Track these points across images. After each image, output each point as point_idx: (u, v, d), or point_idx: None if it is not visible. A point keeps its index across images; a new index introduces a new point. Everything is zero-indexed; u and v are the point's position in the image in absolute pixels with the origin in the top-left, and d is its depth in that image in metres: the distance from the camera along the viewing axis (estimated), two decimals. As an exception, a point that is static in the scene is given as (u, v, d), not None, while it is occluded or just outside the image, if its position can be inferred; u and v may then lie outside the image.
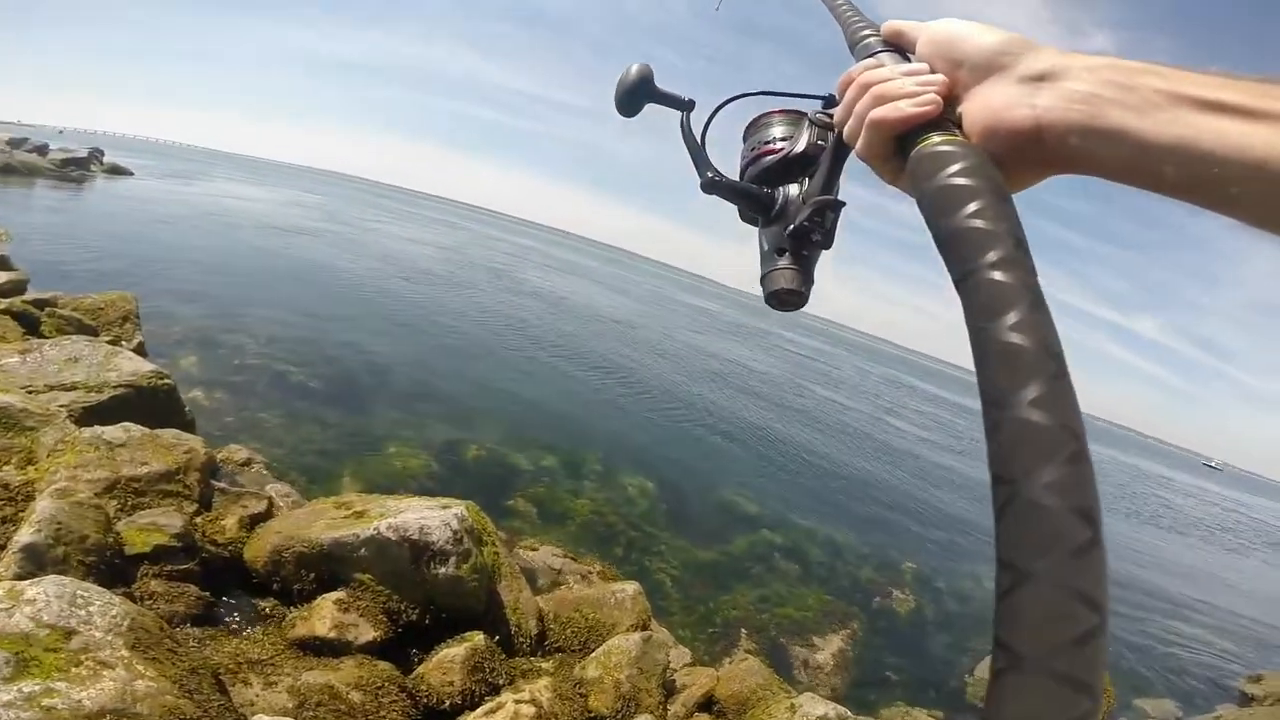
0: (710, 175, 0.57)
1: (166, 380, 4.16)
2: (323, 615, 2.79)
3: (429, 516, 3.35)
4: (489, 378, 10.27)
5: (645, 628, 4.09)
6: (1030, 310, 0.28)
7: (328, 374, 7.86)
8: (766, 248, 0.55)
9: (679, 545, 6.56)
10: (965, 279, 0.31)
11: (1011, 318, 0.28)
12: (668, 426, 10.82)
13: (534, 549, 5.33)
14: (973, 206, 0.33)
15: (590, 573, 5.24)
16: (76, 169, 23.12)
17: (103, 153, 29.05)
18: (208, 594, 2.59)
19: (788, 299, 0.53)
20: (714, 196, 0.58)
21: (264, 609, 2.72)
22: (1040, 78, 0.38)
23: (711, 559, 6.53)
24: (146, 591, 2.40)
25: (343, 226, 28.49)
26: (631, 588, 4.37)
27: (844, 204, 0.52)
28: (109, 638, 1.79)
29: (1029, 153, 0.38)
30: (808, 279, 0.53)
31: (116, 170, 27.38)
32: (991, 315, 0.28)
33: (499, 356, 11.86)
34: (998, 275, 0.30)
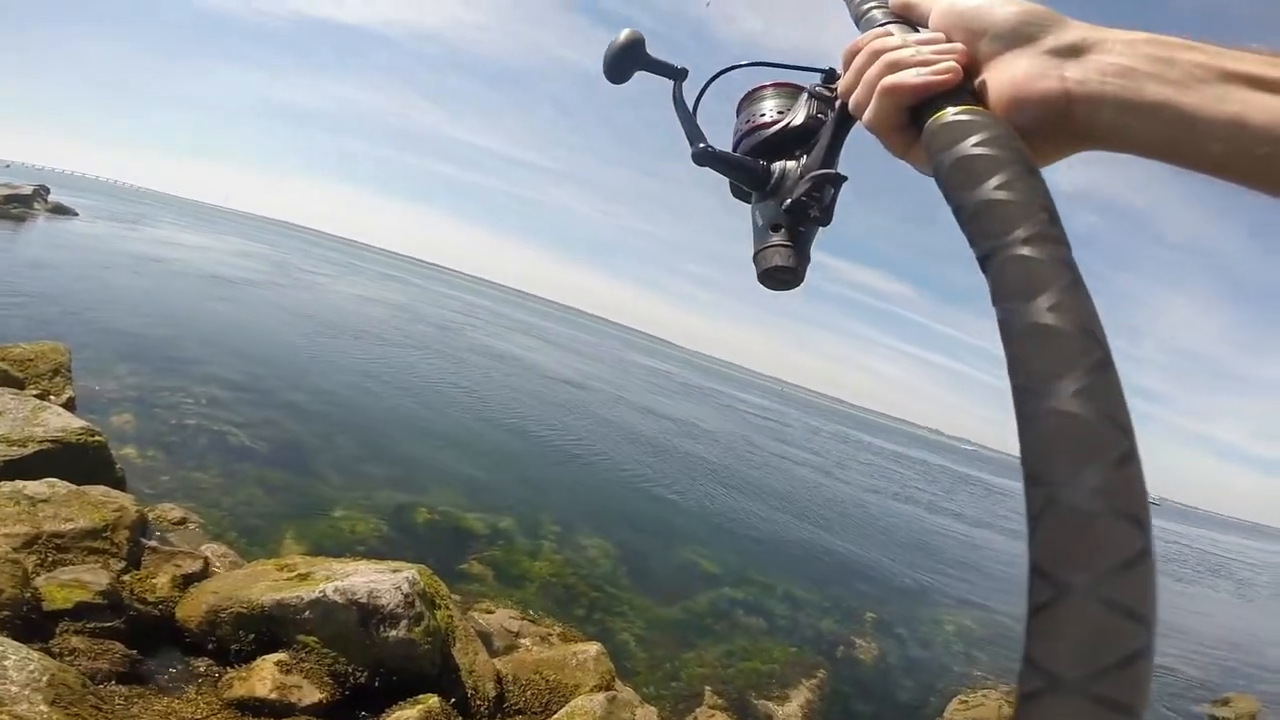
0: (702, 146, 0.54)
1: (97, 437, 3.94)
2: (263, 676, 2.64)
3: (379, 580, 3.30)
4: (440, 439, 10.00)
5: (609, 688, 3.97)
6: (1068, 289, 0.26)
7: (271, 434, 7.53)
8: (760, 223, 0.52)
9: (641, 605, 6.41)
10: (992, 256, 0.28)
11: (1047, 297, 0.25)
12: (624, 487, 10.71)
13: (490, 612, 5.15)
14: (999, 178, 0.30)
15: (550, 635, 5.08)
16: (18, 206, 21.94)
17: (48, 190, 27.59)
18: (135, 652, 2.41)
19: (782, 277, 0.51)
20: (706, 169, 0.55)
21: (198, 668, 2.53)
22: (1071, 50, 0.36)
23: (675, 617, 6.40)
24: (67, 648, 2.21)
25: (291, 279, 27.85)
26: (594, 648, 4.28)
27: (845, 178, 0.50)
28: (26, 692, 1.63)
29: (1057, 127, 0.37)
30: (804, 257, 0.51)
31: (60, 210, 26.10)
32: (1024, 295, 0.26)
33: (450, 418, 11.60)
34: (1029, 251, 0.27)
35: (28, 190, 24.47)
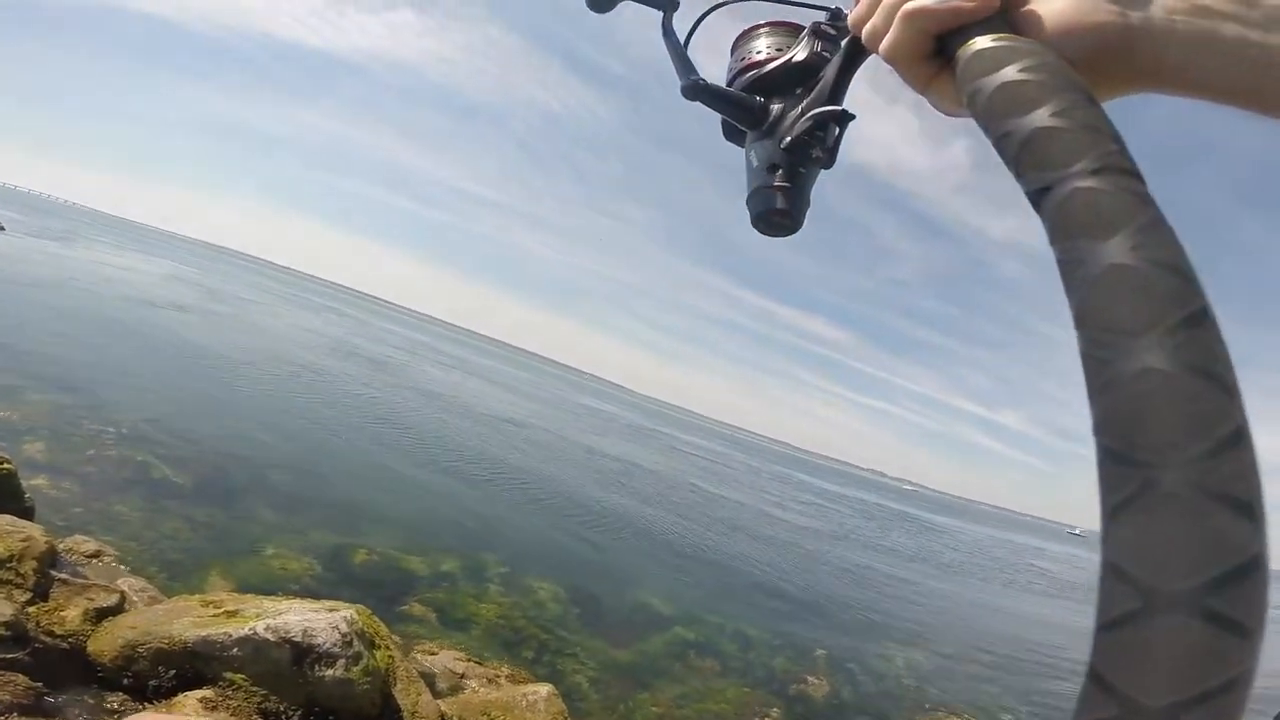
0: (694, 79, 0.50)
1: (5, 465, 3.63)
2: (186, 713, 2.44)
3: (314, 619, 3.20)
4: (378, 478, 9.62)
5: None
6: (1152, 224, 0.21)
7: (197, 468, 7.08)
8: (756, 164, 0.48)
9: (593, 646, 6.26)
10: (1050, 190, 0.24)
11: (1127, 235, 0.21)
12: (570, 529, 10.52)
13: (433, 653, 4.96)
14: (1054, 104, 0.26)
15: (498, 676, 4.90)
16: None
17: None
18: (40, 684, 2.18)
19: (778, 221, 0.47)
20: (702, 105, 0.51)
21: (110, 704, 2.35)
22: None
23: (627, 659, 6.27)
24: (-39, 677, 1.97)
25: (224, 307, 26.62)
26: (545, 689, 4.18)
27: (853, 116, 0.46)
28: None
29: (1111, 64, 0.33)
30: (803, 201, 0.47)
31: None
32: (1098, 232, 0.21)
33: (388, 456, 11.20)
34: (1101, 183, 0.23)
35: None
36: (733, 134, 0.53)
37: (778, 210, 0.47)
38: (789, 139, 0.46)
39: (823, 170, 0.48)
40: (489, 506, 10.33)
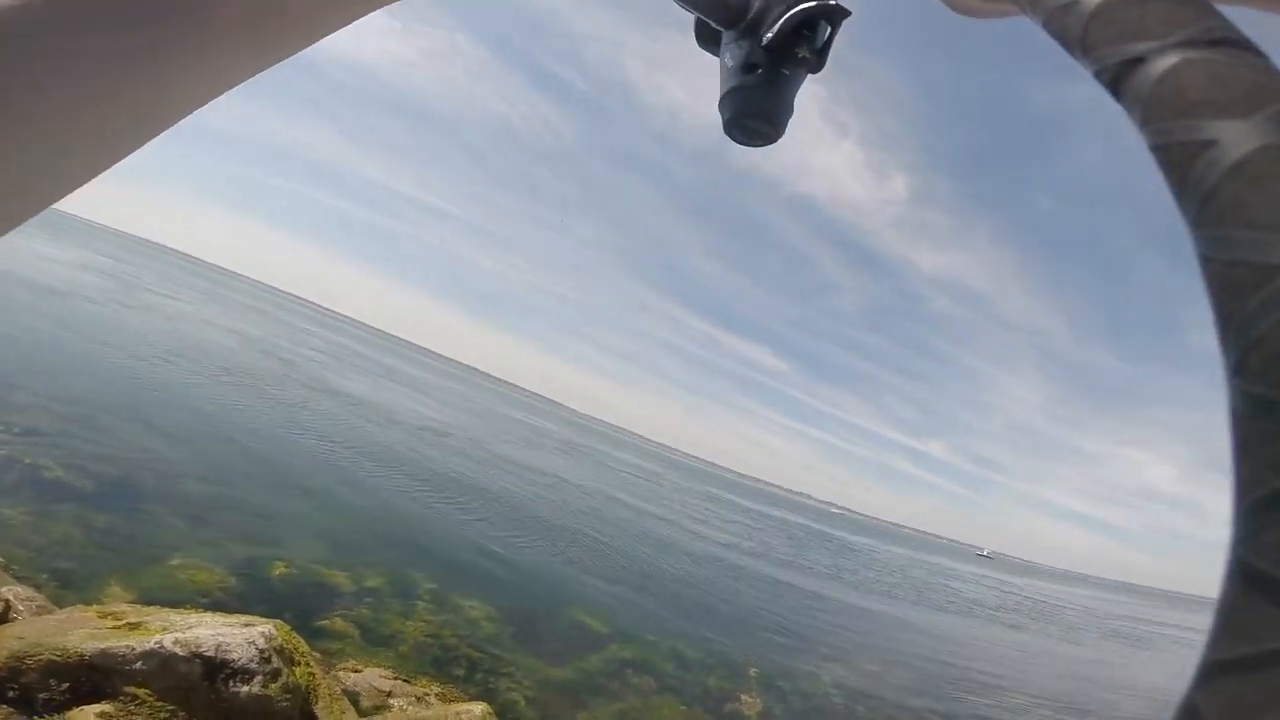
0: None
1: None
2: None
3: (228, 634, 3.12)
4: (297, 486, 9.15)
5: None
6: None
7: (97, 471, 6.52)
8: (731, 63, 0.41)
9: (528, 665, 6.10)
10: (1145, 61, 0.16)
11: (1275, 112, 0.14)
12: (501, 544, 10.30)
13: (357, 670, 4.72)
14: None
15: (427, 694, 4.71)
16: None
17: None
18: None
19: (756, 128, 0.41)
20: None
21: None
22: None
23: (565, 677, 6.15)
24: None
25: (138, 300, 24.78)
26: (479, 708, 4.05)
27: (848, 13, 0.39)
28: None
29: None
30: (784, 107, 0.41)
31: None
32: (1229, 109, 0.14)
33: (309, 463, 10.68)
34: (1216, 54, 0.15)
35: None
36: (706, 36, 0.44)
37: (756, 112, 0.40)
38: (771, 35, 0.39)
39: (810, 75, 0.42)
40: (416, 521, 9.98)
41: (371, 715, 3.97)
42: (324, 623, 5.55)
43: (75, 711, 2.37)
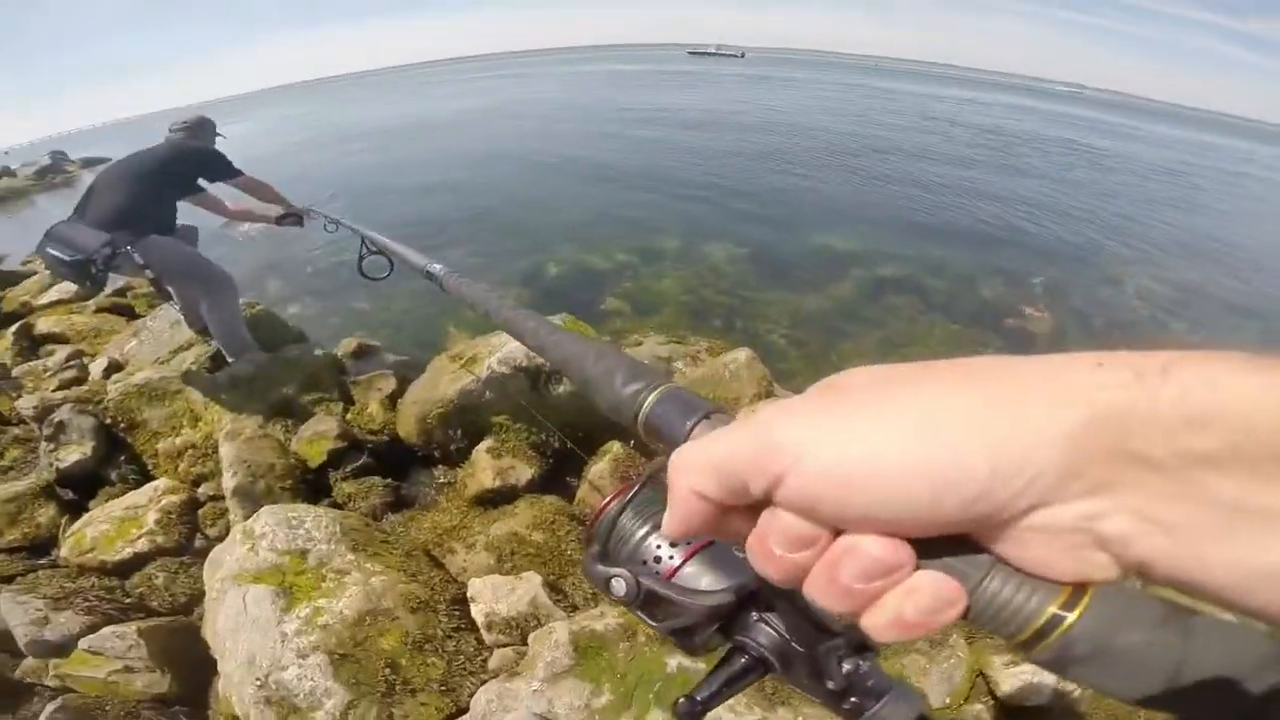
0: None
1: (258, 306, 4.40)
2: (483, 467, 3.07)
3: None
4: (536, 201, 10.00)
5: (769, 394, 4.01)
6: None
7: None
8: None
9: (781, 301, 6.42)
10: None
11: None
12: (724, 186, 10.24)
13: (639, 344, 5.39)
14: None
15: (698, 352, 5.23)
16: (54, 174, 22.36)
17: (65, 154, 27.13)
18: (390, 480, 2.98)
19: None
20: None
21: (438, 478, 3.10)
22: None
23: (820, 307, 6.35)
24: (344, 496, 2.82)
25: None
26: (743, 354, 4.24)
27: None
28: (333, 547, 2.15)
29: None
30: None
31: (91, 162, 25.74)
32: None
33: (543, 180, 11.40)
34: None
35: (48, 160, 24.05)
36: None
37: None
38: None
39: None
40: (639, 189, 10.40)
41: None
42: (602, 306, 6.55)
43: (475, 453, 3.20)
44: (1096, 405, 0.20)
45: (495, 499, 2.87)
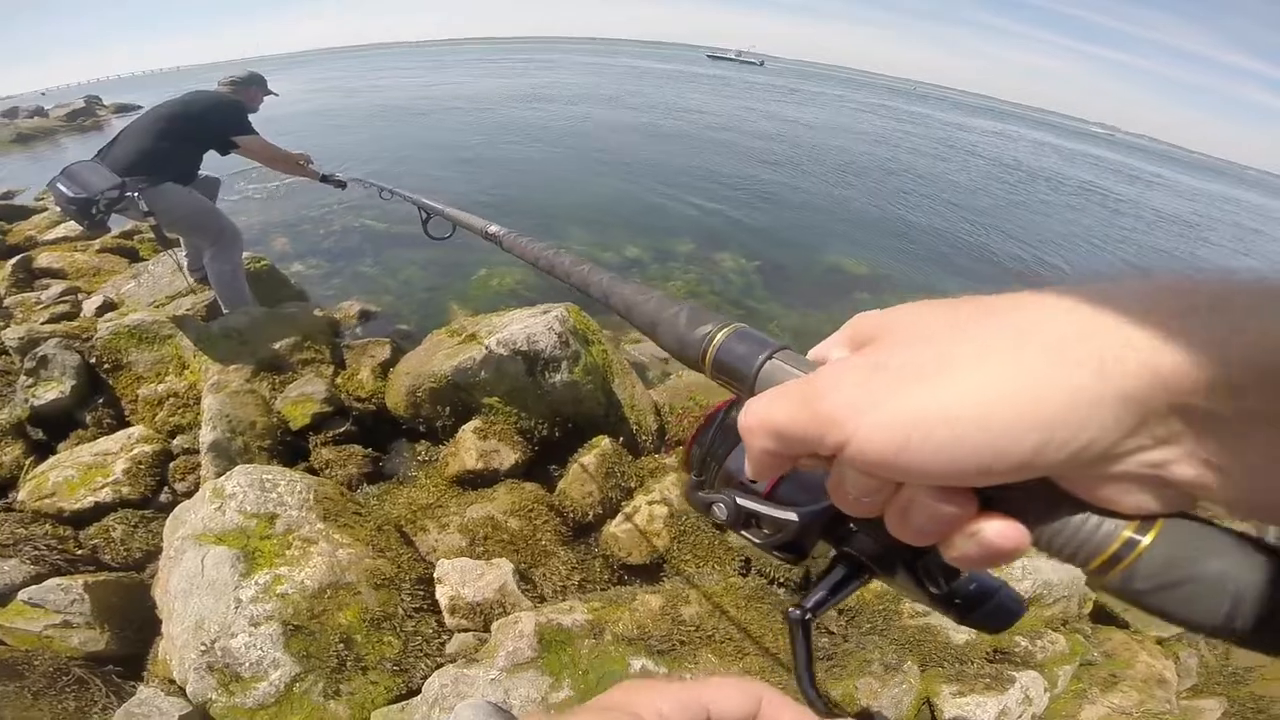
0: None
1: (264, 261, 4.35)
2: (467, 447, 3.03)
3: (532, 324, 3.35)
4: (554, 185, 9.98)
5: None
6: None
7: (400, 219, 7.94)
8: None
9: (784, 314, 6.48)
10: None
11: None
12: (743, 202, 10.25)
13: (638, 342, 5.38)
14: None
15: None
16: (85, 118, 22.35)
17: (99, 98, 27.19)
18: (370, 450, 2.93)
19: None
20: None
21: (420, 453, 3.04)
22: None
23: (821, 329, 6.44)
24: (322, 462, 2.77)
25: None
26: None
27: None
28: (303, 514, 2.10)
29: None
30: None
31: (124, 108, 25.72)
32: None
33: (562, 164, 11.37)
34: None
35: (81, 104, 24.03)
36: None
37: None
38: None
39: None
40: (658, 191, 10.38)
41: (656, 386, 4.76)
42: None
43: (460, 432, 3.15)
44: (1162, 364, 0.21)
45: (475, 481, 2.82)
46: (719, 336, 0.41)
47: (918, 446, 0.23)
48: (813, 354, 0.36)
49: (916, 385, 0.24)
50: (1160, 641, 2.69)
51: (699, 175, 11.77)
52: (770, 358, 0.37)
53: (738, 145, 15.77)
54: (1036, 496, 0.25)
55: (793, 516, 0.38)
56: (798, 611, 0.38)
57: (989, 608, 0.35)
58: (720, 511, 0.40)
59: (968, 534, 0.25)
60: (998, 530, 0.25)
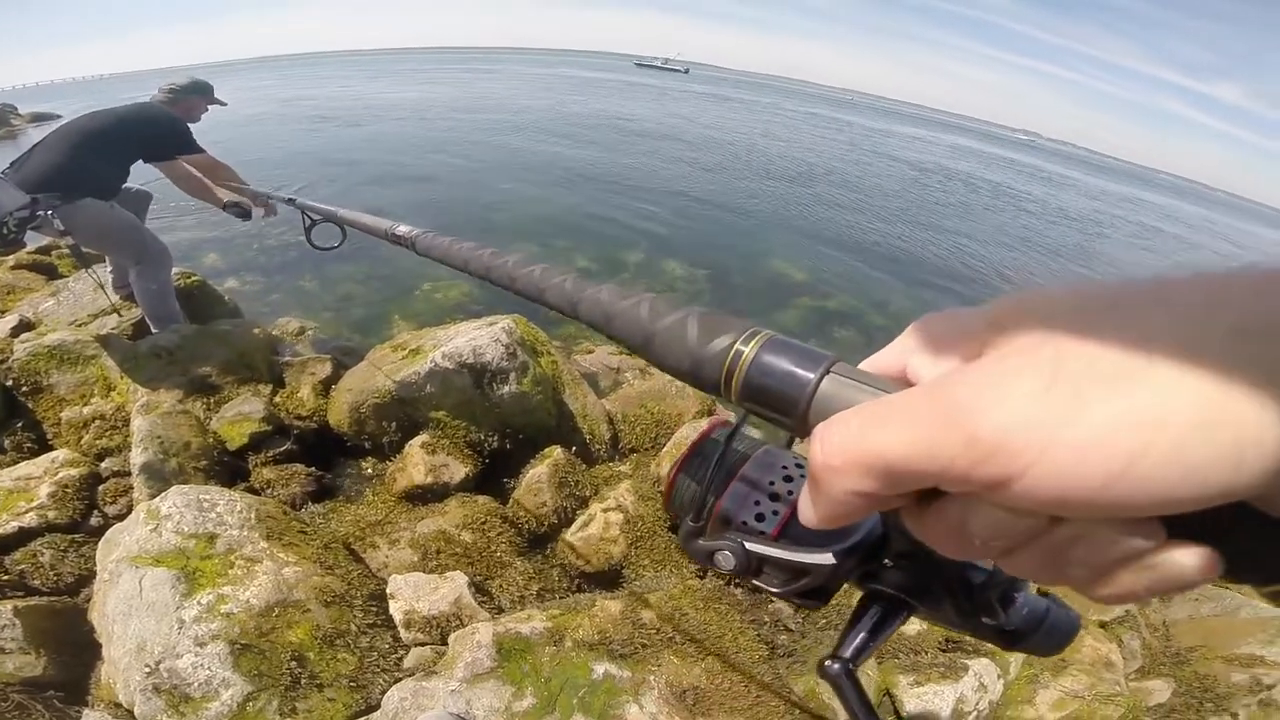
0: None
1: (195, 278, 4.16)
2: (415, 463, 2.96)
3: (478, 336, 3.30)
4: (501, 195, 9.92)
5: (711, 412, 4.09)
6: None
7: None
8: None
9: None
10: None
11: None
12: (682, 208, 10.48)
13: (589, 352, 5.36)
14: None
15: (649, 366, 5.40)
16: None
17: (14, 107, 25.74)
18: (313, 469, 2.85)
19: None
20: None
21: (366, 470, 2.98)
22: None
23: (782, 330, 6.66)
24: (263, 481, 2.67)
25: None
26: None
27: None
28: (245, 533, 2.04)
29: None
30: None
31: (41, 117, 24.58)
32: None
33: (506, 172, 11.31)
34: None
35: None
36: None
37: None
38: None
39: None
40: (609, 203, 10.48)
41: (608, 395, 4.77)
42: (552, 312, 6.57)
43: (408, 447, 3.07)
44: None
45: (425, 496, 2.78)
46: (748, 351, 0.32)
47: (1143, 473, 0.17)
48: (872, 367, 0.30)
49: (1116, 393, 0.18)
50: (1103, 625, 2.84)
51: (639, 183, 11.95)
52: (827, 373, 0.29)
53: (669, 152, 16.08)
54: (1221, 515, 0.20)
55: (827, 559, 0.33)
56: (836, 665, 0.32)
57: (1043, 630, 0.32)
58: (726, 561, 0.35)
59: (1144, 566, 0.20)
60: (1194, 562, 0.19)
